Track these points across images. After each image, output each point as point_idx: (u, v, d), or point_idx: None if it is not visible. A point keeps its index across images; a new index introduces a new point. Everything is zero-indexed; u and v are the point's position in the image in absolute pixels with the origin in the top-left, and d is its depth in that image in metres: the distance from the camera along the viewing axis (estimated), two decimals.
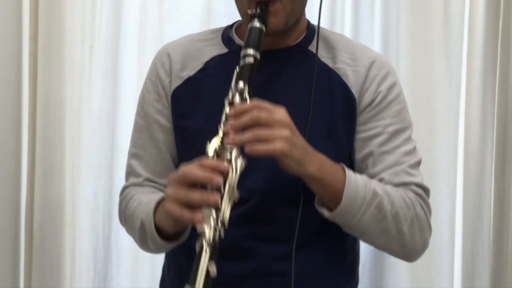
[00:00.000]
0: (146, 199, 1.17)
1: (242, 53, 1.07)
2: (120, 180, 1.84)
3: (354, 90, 1.18)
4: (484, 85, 1.82)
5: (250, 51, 1.06)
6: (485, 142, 1.84)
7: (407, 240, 1.12)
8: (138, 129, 1.28)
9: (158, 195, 1.16)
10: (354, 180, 1.08)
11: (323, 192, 1.08)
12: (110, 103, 1.88)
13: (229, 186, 0.97)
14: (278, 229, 1.17)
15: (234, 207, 0.98)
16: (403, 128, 1.18)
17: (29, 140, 1.86)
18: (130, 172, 1.27)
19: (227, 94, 1.04)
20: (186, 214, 0.97)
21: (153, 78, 1.26)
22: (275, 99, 1.13)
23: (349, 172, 1.09)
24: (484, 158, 1.84)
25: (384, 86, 1.18)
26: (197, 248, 0.95)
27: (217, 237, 0.95)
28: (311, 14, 1.25)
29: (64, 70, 1.85)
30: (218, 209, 0.95)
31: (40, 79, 1.84)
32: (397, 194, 1.11)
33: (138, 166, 1.26)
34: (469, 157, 1.85)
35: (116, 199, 1.83)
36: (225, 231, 0.96)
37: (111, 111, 1.88)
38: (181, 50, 1.25)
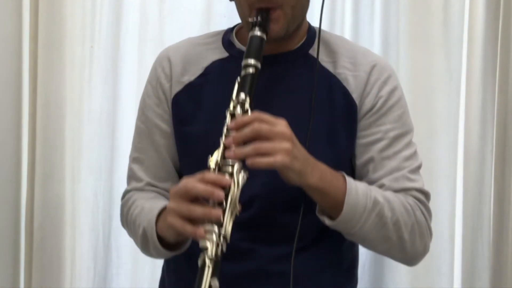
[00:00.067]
0: (148, 206, 1.17)
1: (243, 63, 1.07)
2: (120, 180, 1.86)
3: (355, 95, 1.18)
4: (484, 85, 1.82)
5: (251, 61, 1.06)
6: (485, 142, 1.84)
7: (407, 246, 1.12)
8: (139, 134, 1.28)
9: (159, 203, 1.15)
10: (355, 189, 1.08)
11: (324, 201, 1.09)
12: (110, 103, 1.88)
13: (231, 200, 0.97)
14: (278, 233, 1.18)
15: None
16: (404, 132, 1.18)
17: (29, 140, 1.86)
18: (132, 176, 1.28)
19: (227, 100, 1.05)
20: (188, 228, 0.98)
21: (154, 83, 1.26)
22: (275, 105, 1.14)
23: (349, 181, 1.09)
24: (484, 158, 1.84)
25: (385, 91, 1.18)
26: (200, 263, 0.95)
27: (219, 252, 0.95)
28: (311, 15, 1.25)
29: (64, 70, 1.85)
30: (220, 225, 0.96)
31: (40, 79, 1.84)
32: (398, 200, 1.12)
33: (139, 170, 1.26)
34: (469, 157, 1.85)
35: (116, 199, 1.86)
36: (227, 245, 0.97)
37: (111, 111, 1.89)
38: (181, 54, 1.25)
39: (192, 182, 0.98)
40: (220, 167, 0.99)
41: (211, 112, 1.19)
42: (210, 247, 0.95)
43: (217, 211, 0.96)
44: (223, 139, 1.01)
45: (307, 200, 1.10)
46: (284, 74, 1.20)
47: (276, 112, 1.08)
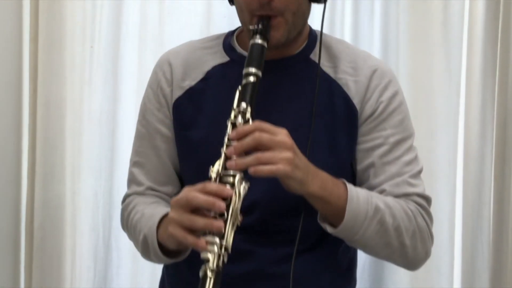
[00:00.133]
0: (149, 212, 1.17)
1: (244, 71, 1.07)
2: (120, 180, 1.86)
3: (356, 101, 1.18)
4: (483, 85, 1.82)
5: (252, 69, 1.06)
6: (485, 142, 1.84)
7: (409, 252, 1.13)
8: (140, 137, 1.28)
9: (160, 210, 1.15)
10: (356, 196, 1.08)
11: (325, 209, 1.09)
12: (110, 103, 1.89)
13: (232, 211, 0.97)
14: (278, 236, 1.18)
15: None
16: (405, 137, 1.18)
17: (29, 140, 1.86)
18: (132, 180, 1.28)
19: (228, 105, 1.05)
20: (189, 239, 0.98)
21: (154, 87, 1.26)
22: (276, 110, 1.14)
23: (350, 188, 1.09)
24: (483, 158, 1.84)
25: (385, 96, 1.18)
26: (201, 274, 0.96)
27: (220, 263, 0.96)
28: (311, 17, 1.24)
29: (64, 71, 1.85)
30: (221, 236, 0.96)
31: (41, 79, 1.84)
32: (399, 206, 1.12)
33: (139, 174, 1.26)
34: (468, 157, 1.85)
35: (116, 199, 1.86)
36: (228, 255, 0.97)
37: (111, 111, 1.89)
38: (182, 59, 1.25)
39: (193, 193, 0.98)
40: (221, 177, 1.00)
41: (212, 117, 1.19)
42: (212, 258, 0.95)
43: (219, 223, 0.96)
44: (224, 148, 1.01)
45: (307, 206, 1.10)
46: (285, 80, 1.20)
47: (277, 117, 1.09)
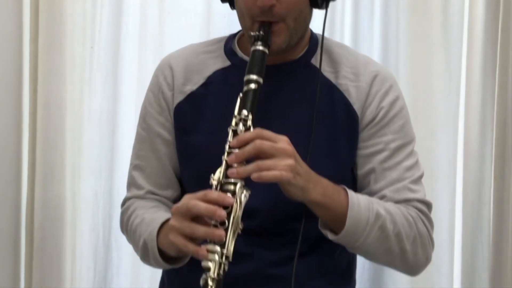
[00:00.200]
0: (149, 217, 1.17)
1: (245, 78, 1.07)
2: (120, 180, 1.86)
3: (356, 106, 1.18)
4: (483, 85, 1.82)
5: (253, 76, 1.06)
6: (485, 142, 1.84)
7: (409, 258, 1.13)
8: (140, 141, 1.27)
9: (161, 215, 1.15)
10: (357, 203, 1.08)
11: (326, 216, 1.09)
12: (110, 103, 1.89)
13: (233, 219, 0.97)
14: (278, 240, 1.18)
15: None
16: (406, 143, 1.18)
17: (29, 140, 1.86)
18: (132, 183, 1.28)
19: (229, 110, 1.05)
20: (190, 247, 0.98)
21: (155, 91, 1.26)
22: (277, 115, 1.14)
23: (351, 195, 1.09)
24: (483, 158, 1.84)
25: (386, 102, 1.18)
26: (202, 282, 0.96)
27: (221, 272, 0.96)
28: (312, 18, 1.24)
29: (64, 71, 1.85)
30: (222, 245, 0.96)
31: (41, 79, 1.84)
32: (399, 212, 1.12)
33: (140, 178, 1.26)
34: (468, 157, 1.85)
35: (116, 199, 1.86)
36: (229, 263, 0.97)
37: (111, 111, 1.89)
38: (183, 63, 1.25)
39: (194, 201, 0.98)
40: (222, 185, 1.00)
41: (213, 122, 1.19)
42: (213, 267, 0.96)
43: (220, 232, 0.96)
44: (225, 156, 1.01)
45: (308, 211, 1.10)
46: (286, 85, 1.20)
47: (277, 122, 1.09)
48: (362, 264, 1.80)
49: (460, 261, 1.87)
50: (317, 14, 1.22)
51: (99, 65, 1.88)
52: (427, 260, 1.16)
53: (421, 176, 1.18)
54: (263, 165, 0.99)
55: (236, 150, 1.00)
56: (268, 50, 1.10)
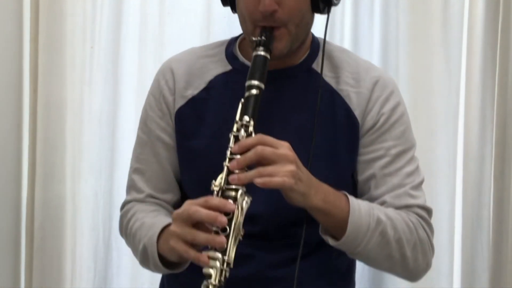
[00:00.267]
0: (149, 221, 1.17)
1: (246, 83, 1.07)
2: (120, 180, 1.86)
3: (357, 112, 1.18)
4: (483, 85, 1.82)
5: (255, 82, 1.06)
6: (485, 142, 1.84)
7: (410, 263, 1.13)
8: (141, 145, 1.27)
9: (161, 220, 1.15)
10: (358, 209, 1.08)
11: (327, 222, 1.09)
12: (111, 104, 1.89)
13: (235, 225, 0.97)
14: (278, 243, 1.19)
15: None
16: (406, 149, 1.18)
17: (29, 141, 1.86)
18: (132, 187, 1.27)
19: (230, 115, 1.05)
20: (191, 253, 0.98)
21: (157, 95, 1.26)
22: (278, 120, 1.14)
23: (352, 201, 1.09)
24: (483, 158, 1.84)
25: (387, 108, 1.18)
26: None
27: (223, 279, 0.96)
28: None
29: (64, 71, 1.85)
30: (224, 251, 0.96)
31: (41, 79, 1.84)
32: (400, 218, 1.12)
33: (140, 181, 1.26)
34: (468, 157, 1.85)
35: (117, 199, 1.86)
36: (230, 270, 0.98)
37: (111, 111, 1.89)
38: (184, 67, 1.25)
39: (195, 207, 0.98)
40: (223, 191, 1.00)
41: (214, 127, 1.19)
42: (214, 274, 0.96)
43: (221, 239, 0.96)
44: (226, 162, 1.01)
45: (309, 217, 1.10)
46: (287, 90, 1.20)
47: (278, 128, 1.09)
48: (362, 265, 1.78)
49: (460, 261, 1.87)
50: (318, 17, 1.22)
51: (99, 65, 1.88)
52: (427, 266, 1.16)
53: (421, 182, 1.19)
54: (264, 171, 0.99)
55: (238, 156, 1.00)
56: (270, 55, 1.10)
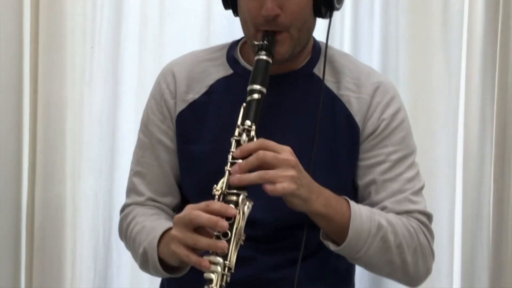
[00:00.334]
0: (149, 225, 1.17)
1: (248, 87, 1.07)
2: (120, 180, 1.86)
3: (358, 118, 1.18)
4: (483, 85, 1.82)
5: (257, 86, 1.06)
6: (485, 142, 1.84)
7: (410, 269, 1.13)
8: (142, 148, 1.27)
9: (161, 223, 1.15)
10: (359, 214, 1.08)
11: (328, 227, 1.09)
12: (111, 104, 1.88)
13: (236, 230, 0.97)
14: (278, 245, 1.19)
15: None
16: (407, 154, 1.18)
17: (30, 141, 1.86)
18: (132, 189, 1.27)
19: (231, 119, 1.05)
20: (192, 258, 0.98)
21: (158, 99, 1.26)
22: (279, 125, 1.15)
23: (353, 206, 1.09)
24: (483, 158, 1.84)
25: (387, 114, 1.18)
26: None
27: (224, 283, 0.96)
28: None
29: (64, 71, 1.85)
30: (225, 256, 0.96)
31: (41, 80, 1.84)
32: (401, 223, 1.12)
33: (140, 184, 1.26)
34: (468, 157, 1.85)
35: (117, 199, 1.86)
36: (232, 274, 0.98)
37: (111, 112, 1.89)
38: (185, 71, 1.24)
39: (196, 211, 0.98)
40: (225, 196, 1.00)
41: (215, 131, 1.19)
42: (215, 279, 0.96)
43: (223, 244, 0.96)
44: (228, 166, 1.01)
45: (309, 221, 1.10)
46: (288, 94, 1.20)
47: (279, 133, 1.09)
48: None
49: (460, 261, 1.87)
50: (319, 20, 1.22)
51: (99, 65, 1.88)
52: (427, 271, 1.17)
53: (422, 188, 1.19)
54: (265, 175, 0.99)
55: (239, 161, 1.00)
56: (272, 60, 1.09)
